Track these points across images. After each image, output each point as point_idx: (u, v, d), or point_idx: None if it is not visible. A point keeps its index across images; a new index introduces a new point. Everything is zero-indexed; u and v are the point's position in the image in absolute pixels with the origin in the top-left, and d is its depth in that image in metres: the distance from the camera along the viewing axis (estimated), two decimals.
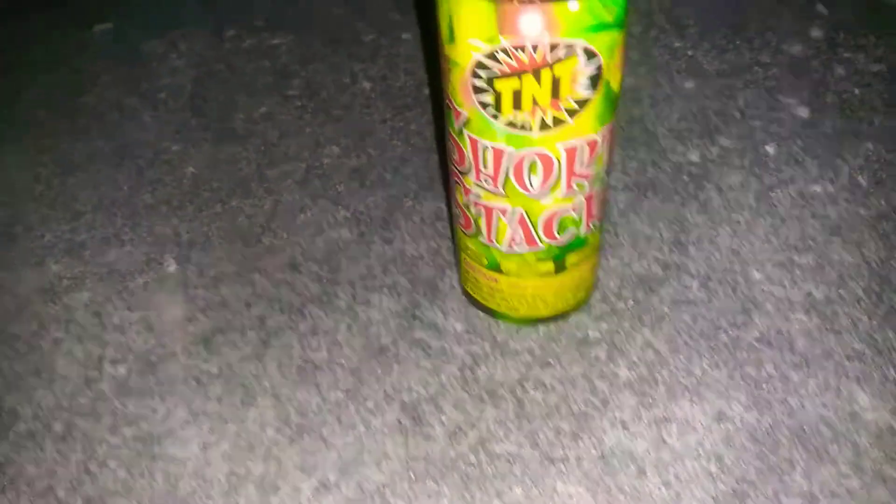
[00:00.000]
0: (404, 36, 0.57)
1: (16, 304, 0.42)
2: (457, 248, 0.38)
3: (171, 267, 0.42)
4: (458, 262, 0.39)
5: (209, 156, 0.49)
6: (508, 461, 0.33)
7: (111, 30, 0.61)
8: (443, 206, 0.45)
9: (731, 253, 0.41)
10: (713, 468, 0.33)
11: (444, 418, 0.35)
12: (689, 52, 0.53)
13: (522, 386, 0.36)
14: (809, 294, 0.39)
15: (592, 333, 0.38)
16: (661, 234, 0.42)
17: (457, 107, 0.30)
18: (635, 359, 0.37)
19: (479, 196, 0.32)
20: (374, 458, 0.34)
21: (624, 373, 0.36)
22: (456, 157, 0.32)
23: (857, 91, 0.49)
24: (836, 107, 0.48)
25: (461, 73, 0.28)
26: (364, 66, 0.55)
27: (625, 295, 0.39)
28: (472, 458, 0.33)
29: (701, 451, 0.33)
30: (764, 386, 0.35)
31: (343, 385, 0.37)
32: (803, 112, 0.48)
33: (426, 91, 0.52)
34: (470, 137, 0.30)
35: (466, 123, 0.30)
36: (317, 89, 0.53)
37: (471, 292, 0.38)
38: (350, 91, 0.53)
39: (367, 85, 0.53)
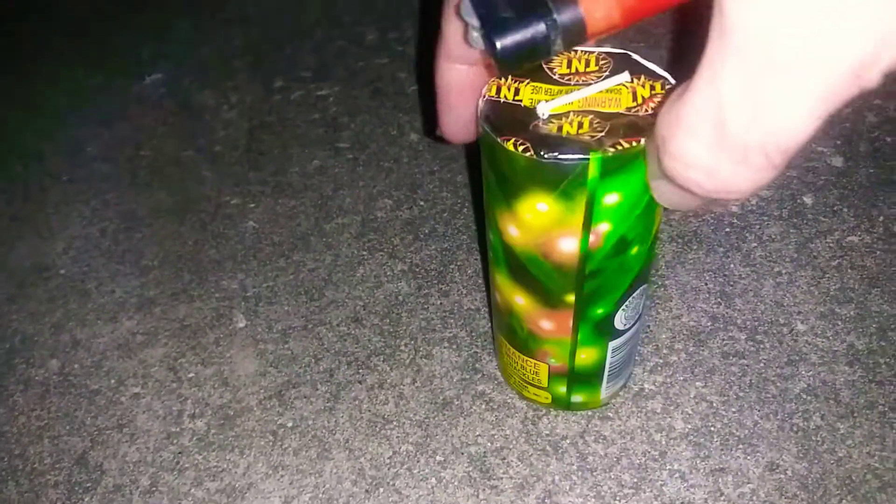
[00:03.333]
0: None
1: (93, 360, 0.44)
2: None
3: (241, 323, 0.45)
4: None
5: (268, 209, 0.51)
6: None
7: (162, 80, 0.64)
8: None
9: (775, 305, 0.43)
10: None
11: (510, 471, 0.37)
12: None
13: (584, 439, 0.38)
14: (851, 345, 0.41)
15: (648, 386, 0.40)
16: (707, 286, 0.44)
17: None
18: (689, 411, 0.39)
19: None
20: None
21: (679, 425, 0.38)
22: None
23: (888, 139, 0.51)
24: (869, 156, 0.50)
25: None
26: (409, 118, 0.57)
27: (676, 347, 0.41)
28: None
29: (755, 501, 0.35)
30: (813, 437, 0.37)
31: (412, 438, 0.39)
32: (837, 161, 0.50)
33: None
34: None
35: None
36: (366, 142, 0.56)
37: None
38: (398, 143, 0.55)
39: (414, 137, 0.56)
